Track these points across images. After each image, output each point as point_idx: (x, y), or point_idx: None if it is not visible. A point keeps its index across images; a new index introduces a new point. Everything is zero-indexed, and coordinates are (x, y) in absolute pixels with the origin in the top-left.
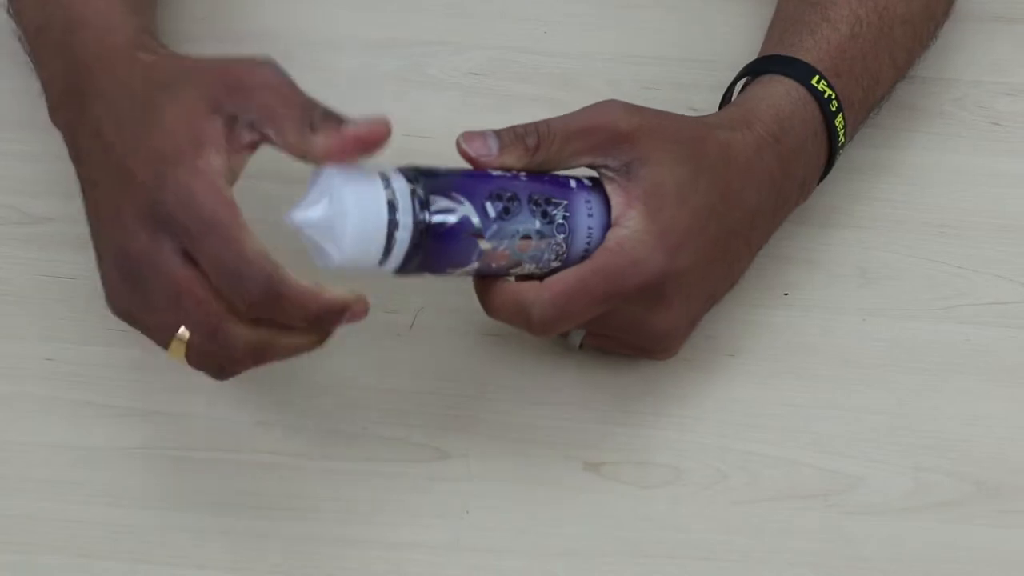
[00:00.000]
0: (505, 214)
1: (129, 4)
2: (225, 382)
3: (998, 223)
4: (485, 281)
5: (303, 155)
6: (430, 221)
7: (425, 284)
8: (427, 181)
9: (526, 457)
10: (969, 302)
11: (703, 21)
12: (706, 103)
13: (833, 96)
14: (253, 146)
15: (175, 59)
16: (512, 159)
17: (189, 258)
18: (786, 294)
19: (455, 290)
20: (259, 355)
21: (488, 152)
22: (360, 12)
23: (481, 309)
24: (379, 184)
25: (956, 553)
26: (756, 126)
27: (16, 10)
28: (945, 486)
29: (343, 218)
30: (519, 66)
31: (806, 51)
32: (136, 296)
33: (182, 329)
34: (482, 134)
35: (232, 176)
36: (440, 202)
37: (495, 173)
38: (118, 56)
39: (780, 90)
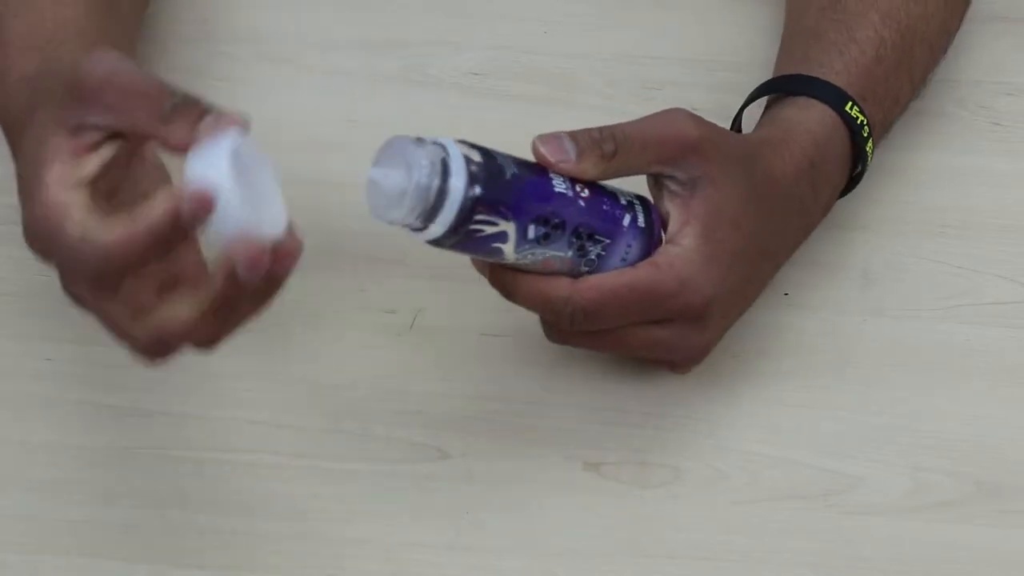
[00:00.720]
0: (543, 239)
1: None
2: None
3: (999, 223)
4: (509, 270)
5: (162, 145)
6: (468, 228)
7: (425, 284)
8: (486, 186)
9: (526, 457)
10: (970, 302)
11: (703, 21)
12: (706, 103)
13: (865, 122)
14: (101, 142)
15: (44, 78)
16: (588, 165)
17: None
18: (786, 294)
19: (455, 290)
20: (159, 344)
21: (566, 158)
22: (360, 12)
23: (476, 310)
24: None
25: (956, 553)
26: (795, 150)
27: None
28: (945, 486)
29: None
30: (519, 66)
31: (837, 74)
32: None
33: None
34: (557, 137)
35: (81, 179)
36: (486, 215)
37: (557, 188)
38: (24, 82)
39: (815, 115)
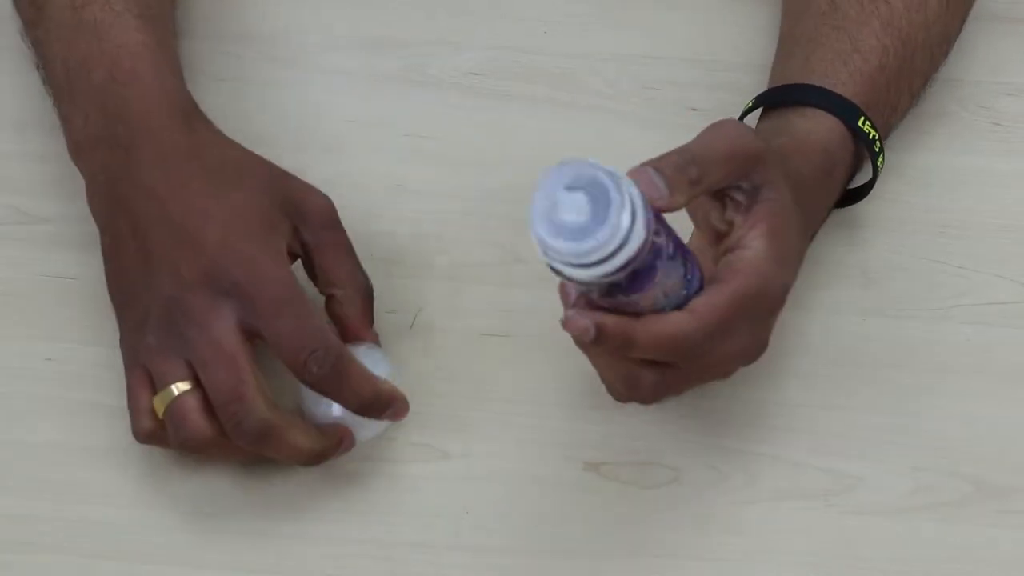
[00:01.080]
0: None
1: (172, 65)
2: None
3: (999, 223)
4: (623, 319)
5: (329, 299)
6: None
7: (425, 284)
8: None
9: (526, 457)
10: (970, 302)
11: (703, 21)
12: (706, 103)
13: (877, 136)
14: (293, 259)
15: (236, 145)
16: (680, 197)
17: (242, 329)
18: None
19: (455, 290)
20: (262, 438)
21: (659, 195)
22: (360, 12)
23: (476, 310)
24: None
25: (956, 553)
26: (813, 159)
27: (36, 39)
28: (945, 486)
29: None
30: (519, 66)
31: (843, 85)
32: (168, 342)
33: (182, 384)
34: (645, 171)
35: None
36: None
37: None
38: (178, 118)
39: (824, 126)
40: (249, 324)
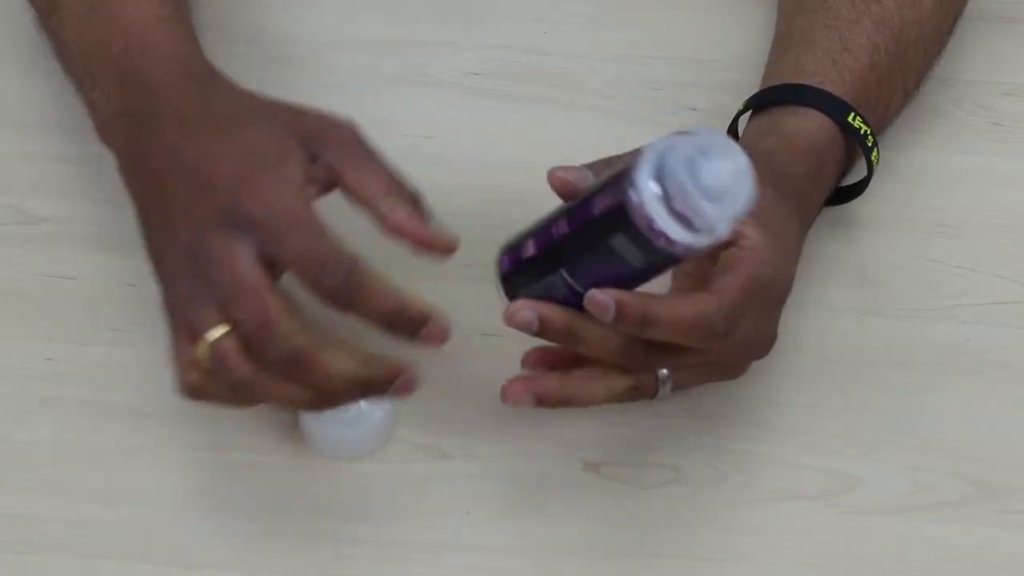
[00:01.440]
0: None
1: (185, 32)
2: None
3: (998, 223)
4: (642, 295)
5: (374, 215)
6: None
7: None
8: None
9: (526, 457)
10: (969, 302)
11: (703, 21)
12: (706, 103)
13: (869, 132)
14: (325, 188)
15: (254, 94)
16: None
17: (262, 261)
18: None
19: (455, 290)
20: (294, 364)
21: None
22: (360, 12)
23: (476, 310)
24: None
25: (956, 553)
26: (803, 156)
27: (51, 28)
28: (945, 486)
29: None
30: (519, 66)
31: (832, 83)
32: (196, 290)
33: (217, 329)
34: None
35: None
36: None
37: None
38: (193, 82)
39: (814, 124)
40: (267, 253)
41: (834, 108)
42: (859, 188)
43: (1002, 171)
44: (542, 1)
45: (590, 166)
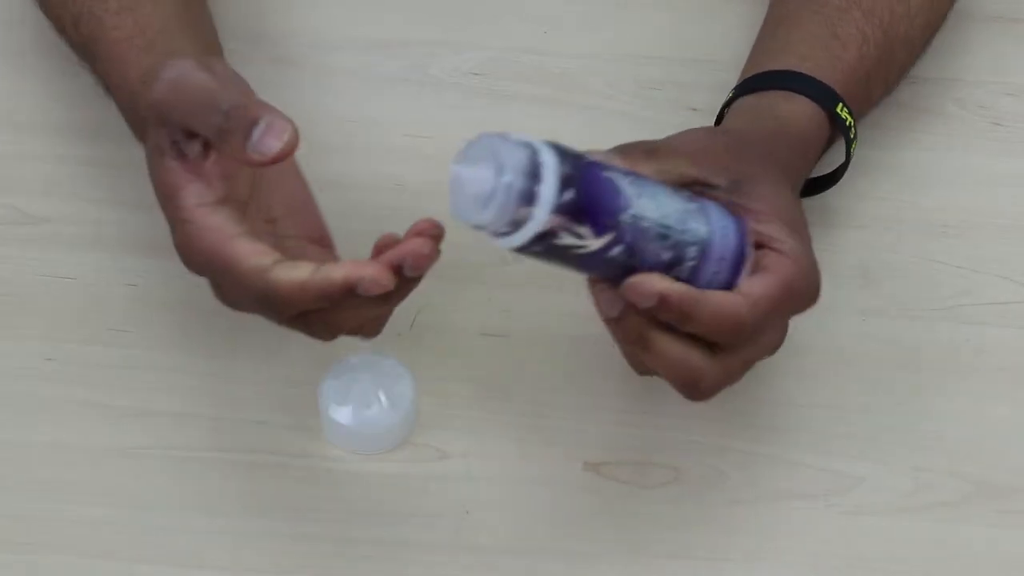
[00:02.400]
0: (634, 249)
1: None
2: (222, 380)
3: (999, 223)
4: (690, 289)
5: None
6: (555, 237)
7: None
8: (580, 191)
9: (526, 457)
10: (970, 302)
11: (703, 21)
12: (706, 103)
13: (852, 124)
14: (206, 155)
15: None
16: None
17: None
18: None
19: (455, 290)
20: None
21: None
22: (360, 12)
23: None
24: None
25: (956, 553)
26: (791, 142)
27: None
28: (945, 486)
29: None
30: (519, 66)
31: (822, 69)
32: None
33: None
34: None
35: (218, 198)
36: (577, 223)
37: (646, 194)
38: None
39: (805, 111)
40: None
41: (824, 96)
42: (831, 180)
43: (1003, 171)
44: (542, 1)
45: (622, 150)
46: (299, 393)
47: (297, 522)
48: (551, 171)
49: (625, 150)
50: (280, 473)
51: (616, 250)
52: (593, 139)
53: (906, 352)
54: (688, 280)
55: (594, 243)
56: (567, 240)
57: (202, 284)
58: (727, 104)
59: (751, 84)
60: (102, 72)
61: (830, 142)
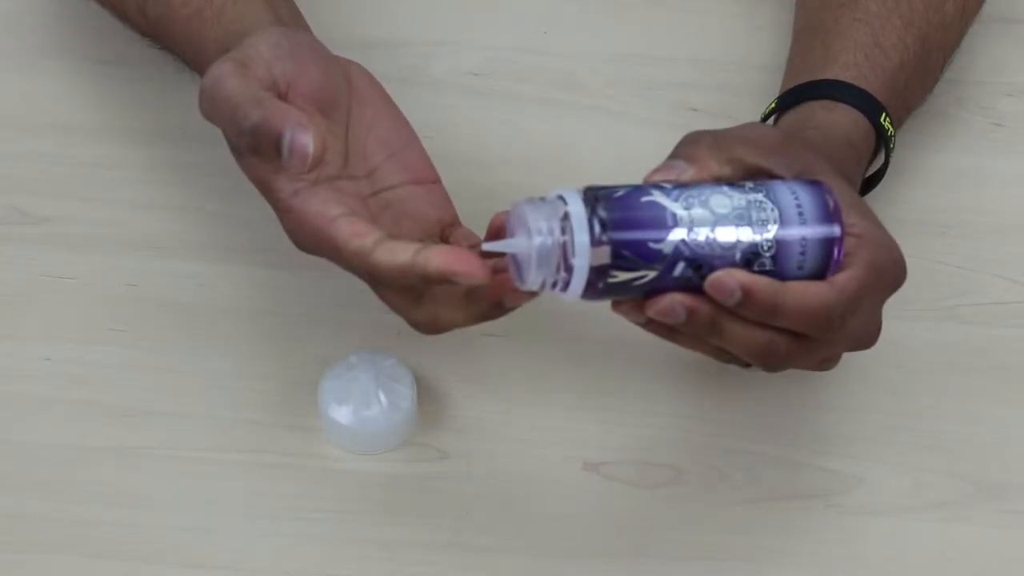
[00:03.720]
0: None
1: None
2: (222, 380)
3: (999, 223)
4: (775, 283)
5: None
6: (608, 279)
7: None
8: (617, 232)
9: (526, 457)
10: (970, 302)
11: (703, 21)
12: (706, 103)
13: (893, 133)
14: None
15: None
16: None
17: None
18: None
19: None
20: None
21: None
22: (360, 12)
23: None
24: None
25: (956, 553)
26: (840, 151)
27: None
28: (945, 486)
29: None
30: (519, 66)
31: (865, 79)
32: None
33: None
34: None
35: (308, 181)
36: (625, 262)
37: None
38: None
39: (849, 119)
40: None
41: (869, 107)
42: (867, 189)
43: (1003, 171)
44: (542, 1)
45: (687, 147)
46: (299, 393)
47: (297, 522)
48: (579, 219)
49: (690, 146)
50: (280, 473)
51: (679, 268)
52: (593, 139)
53: (906, 352)
54: (773, 273)
55: (651, 271)
56: (624, 276)
57: (202, 284)
58: (768, 114)
59: (795, 93)
60: (179, 51)
61: (875, 153)
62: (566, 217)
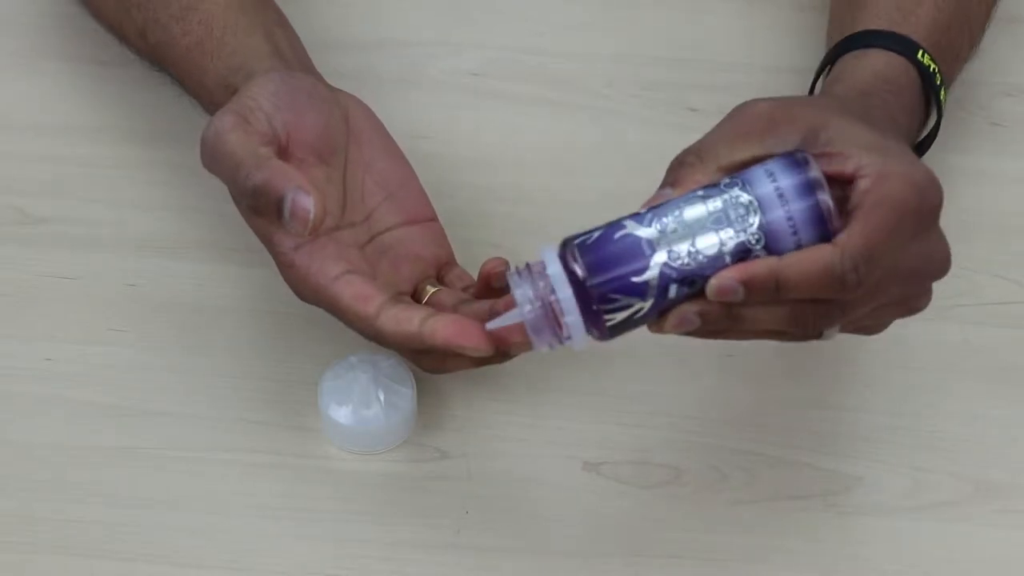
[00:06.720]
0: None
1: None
2: (222, 380)
3: (998, 223)
4: (769, 260)
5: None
6: (604, 320)
7: None
8: (597, 277)
9: (526, 457)
10: (969, 302)
11: (703, 21)
12: (706, 103)
13: (937, 70)
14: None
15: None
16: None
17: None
18: None
19: None
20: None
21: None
22: (360, 12)
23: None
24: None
25: (956, 553)
26: (874, 90)
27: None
28: (945, 486)
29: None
30: (519, 66)
31: (897, 25)
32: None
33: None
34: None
35: (298, 244)
36: (614, 299)
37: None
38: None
39: (881, 60)
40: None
41: (901, 45)
42: (929, 139)
43: (1002, 171)
44: (542, 1)
45: (674, 172)
46: (299, 393)
47: (297, 522)
48: (559, 278)
49: (676, 170)
50: (280, 473)
51: (673, 290)
52: (593, 139)
53: (906, 352)
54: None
55: (644, 302)
56: (622, 315)
57: (202, 284)
58: (812, 86)
59: (830, 56)
60: (178, 79)
61: (927, 98)
62: (547, 279)
